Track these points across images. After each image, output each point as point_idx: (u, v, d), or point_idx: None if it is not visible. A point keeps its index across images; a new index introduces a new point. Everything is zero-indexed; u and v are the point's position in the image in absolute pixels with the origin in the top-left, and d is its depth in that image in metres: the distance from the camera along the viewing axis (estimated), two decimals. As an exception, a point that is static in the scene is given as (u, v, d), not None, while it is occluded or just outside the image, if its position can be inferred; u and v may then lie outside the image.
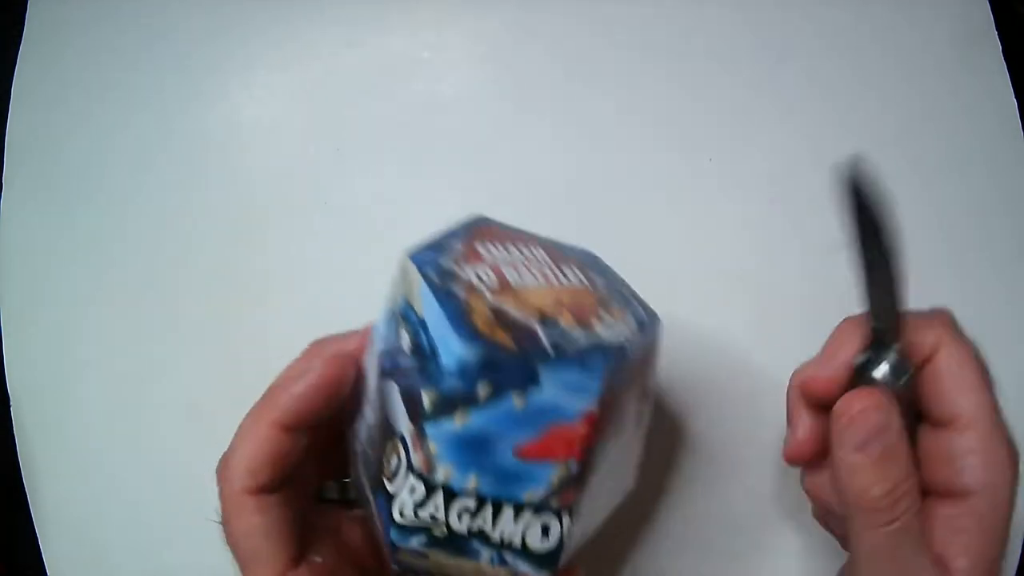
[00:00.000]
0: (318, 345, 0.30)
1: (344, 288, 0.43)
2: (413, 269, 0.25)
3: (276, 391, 0.28)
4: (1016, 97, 0.43)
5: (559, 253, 0.29)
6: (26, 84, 0.46)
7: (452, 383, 0.22)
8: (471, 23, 0.46)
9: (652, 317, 0.28)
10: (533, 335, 0.23)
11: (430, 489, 0.23)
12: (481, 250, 0.26)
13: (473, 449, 0.23)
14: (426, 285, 0.23)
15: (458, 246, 0.26)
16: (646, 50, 0.45)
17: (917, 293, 0.42)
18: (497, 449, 0.23)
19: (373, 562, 0.29)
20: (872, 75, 0.44)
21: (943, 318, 0.29)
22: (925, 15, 0.45)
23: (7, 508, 0.42)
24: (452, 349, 0.22)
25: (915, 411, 0.28)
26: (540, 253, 0.28)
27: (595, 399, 0.23)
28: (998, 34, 0.44)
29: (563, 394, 0.23)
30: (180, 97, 0.46)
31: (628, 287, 0.30)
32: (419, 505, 0.23)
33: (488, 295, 0.23)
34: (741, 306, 0.42)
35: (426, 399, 0.22)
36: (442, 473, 0.23)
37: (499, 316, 0.23)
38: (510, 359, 0.22)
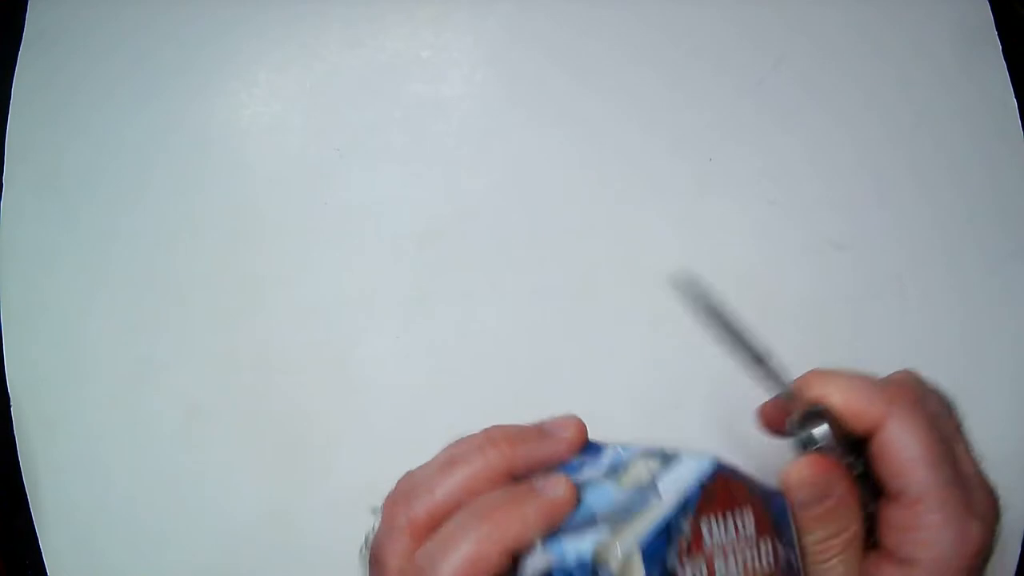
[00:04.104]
0: (514, 445, 0.29)
1: (344, 288, 0.44)
2: (640, 570, 0.24)
3: (506, 515, 0.26)
4: (1016, 97, 0.43)
5: (764, 512, 0.30)
6: (26, 85, 0.46)
7: None
8: (471, 23, 0.46)
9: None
10: None
11: None
12: (704, 533, 0.26)
13: None
14: None
15: (687, 528, 0.26)
16: (646, 52, 0.45)
17: (918, 293, 0.42)
18: None
19: None
20: (872, 76, 0.44)
21: (897, 387, 0.29)
22: (925, 16, 0.45)
23: (7, 508, 0.42)
24: None
25: (871, 480, 0.29)
26: (749, 520, 0.29)
27: None
28: (998, 34, 0.44)
29: None
30: (180, 97, 0.46)
31: (795, 539, 0.31)
32: None
33: None
34: (741, 306, 0.42)
35: None
36: None
37: None
38: None
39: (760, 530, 0.29)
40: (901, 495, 0.27)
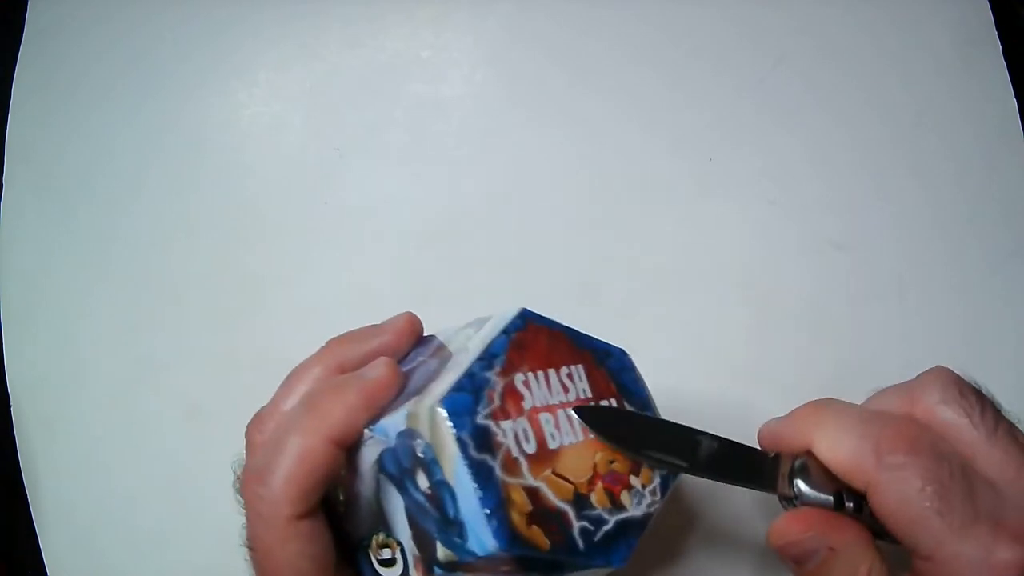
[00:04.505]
0: (346, 343, 0.29)
1: (343, 288, 0.44)
2: (446, 427, 0.22)
3: (326, 402, 0.25)
4: (1016, 97, 0.43)
5: (599, 372, 0.27)
6: (26, 84, 0.46)
7: (474, 561, 0.22)
8: (471, 23, 0.46)
9: (676, 469, 0.27)
10: (566, 529, 0.23)
11: None
12: (520, 388, 0.24)
13: None
14: (462, 461, 0.22)
15: (495, 379, 0.24)
16: (646, 51, 0.45)
17: (918, 293, 0.42)
18: None
19: None
20: (872, 75, 0.44)
21: (895, 430, 0.26)
22: (925, 15, 0.45)
23: (7, 508, 0.42)
24: (484, 542, 0.21)
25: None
26: (580, 377, 0.26)
27: (612, 570, 0.24)
28: (998, 34, 0.44)
29: (584, 573, 0.24)
30: (180, 97, 0.46)
31: (653, 400, 0.29)
32: None
33: (526, 470, 0.23)
34: (741, 306, 0.42)
35: (441, 553, 0.23)
36: None
37: (536, 505, 0.23)
38: (540, 557, 0.22)
39: (598, 389, 0.26)
40: (914, 549, 0.25)
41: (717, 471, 0.27)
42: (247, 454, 0.28)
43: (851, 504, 0.26)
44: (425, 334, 0.30)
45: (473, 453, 0.22)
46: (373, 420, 0.25)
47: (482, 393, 0.23)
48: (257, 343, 0.43)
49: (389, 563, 0.24)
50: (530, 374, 0.24)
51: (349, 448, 0.25)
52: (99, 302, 0.44)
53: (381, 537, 0.24)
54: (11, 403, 0.43)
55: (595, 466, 0.24)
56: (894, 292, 0.42)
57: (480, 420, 0.23)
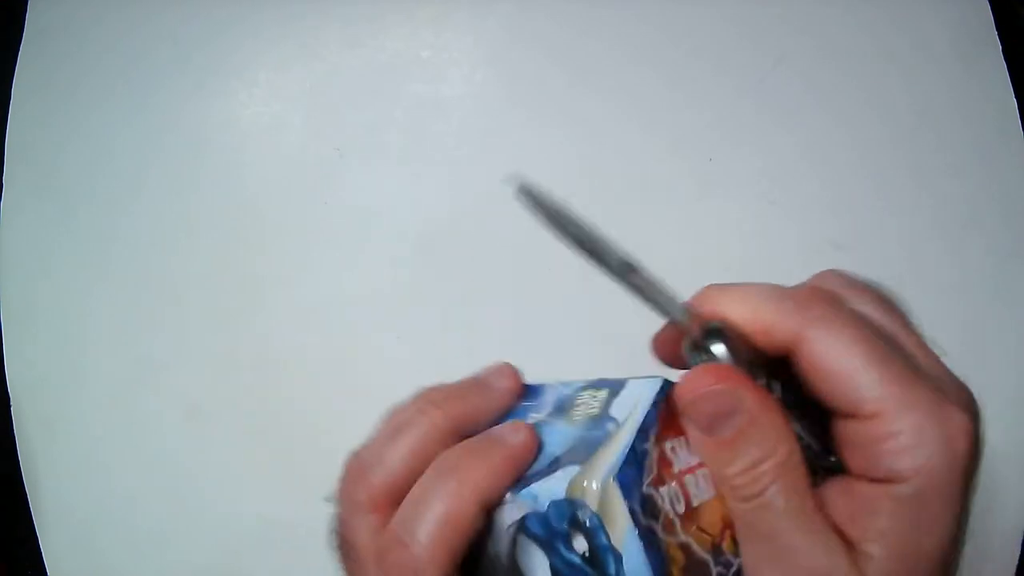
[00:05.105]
0: (452, 400, 0.28)
1: (343, 288, 0.44)
2: (620, 502, 0.24)
3: (470, 466, 0.25)
4: (1016, 97, 0.43)
5: None
6: (26, 84, 0.46)
7: None
8: (471, 23, 0.46)
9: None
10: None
11: None
12: (669, 455, 0.26)
13: None
14: (634, 531, 0.23)
15: (651, 451, 0.25)
16: (647, 52, 0.45)
17: (918, 293, 0.42)
18: None
19: None
20: (872, 75, 0.44)
21: (810, 291, 0.25)
22: (925, 15, 0.45)
23: (7, 508, 0.42)
24: None
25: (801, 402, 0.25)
26: None
27: None
28: (998, 34, 0.44)
29: None
30: (180, 97, 0.46)
31: None
32: None
33: (679, 528, 0.25)
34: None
35: None
36: None
37: (687, 559, 0.24)
38: None
39: None
40: (856, 409, 0.23)
41: (641, 292, 0.25)
42: (343, 509, 0.28)
43: (762, 378, 0.24)
44: (527, 382, 0.31)
45: (642, 520, 0.24)
46: (516, 486, 0.26)
47: (644, 464, 0.25)
48: (257, 343, 0.43)
49: None
50: (675, 440, 0.26)
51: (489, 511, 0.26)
52: (99, 302, 0.44)
53: None
54: (11, 403, 0.43)
55: (723, 517, 0.26)
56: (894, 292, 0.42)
57: (644, 490, 0.24)
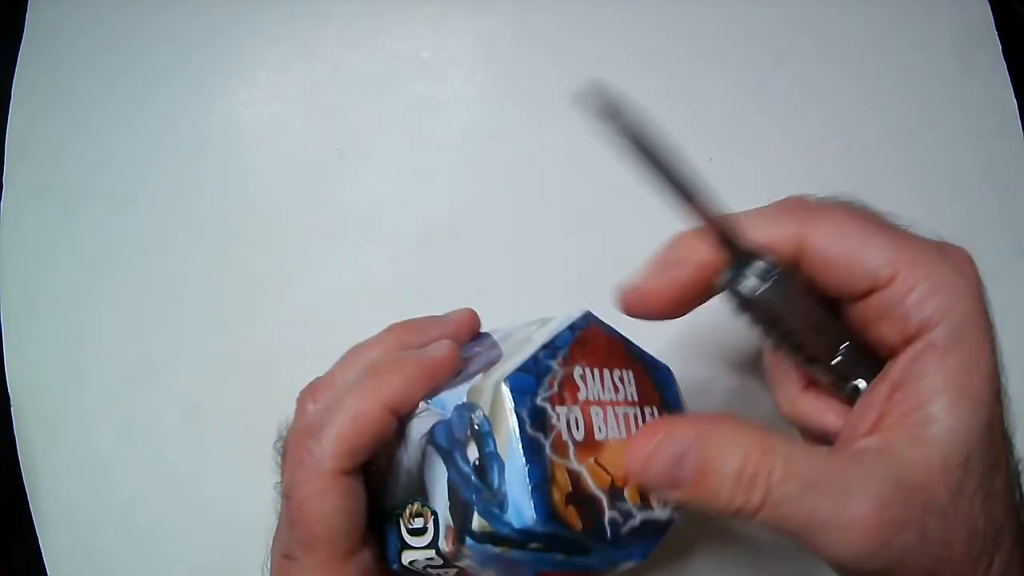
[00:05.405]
0: (408, 329, 0.30)
1: (343, 288, 0.44)
2: (508, 402, 0.24)
3: (387, 372, 0.26)
4: (1016, 97, 0.43)
5: (646, 381, 0.29)
6: (26, 84, 0.46)
7: (509, 533, 0.23)
8: (471, 23, 0.46)
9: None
10: (599, 515, 0.24)
11: (447, 565, 0.25)
12: (577, 380, 0.26)
13: (503, 565, 0.25)
14: (517, 436, 0.23)
15: (557, 368, 0.25)
16: (646, 51, 0.45)
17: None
18: (523, 570, 0.25)
19: None
20: (872, 76, 0.44)
21: (796, 200, 0.26)
22: (925, 15, 0.45)
23: (7, 508, 0.42)
24: (523, 515, 0.23)
25: (824, 298, 0.25)
26: (630, 382, 0.28)
27: (630, 567, 0.26)
28: (998, 34, 0.44)
29: (603, 562, 0.25)
30: (180, 97, 0.46)
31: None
32: (432, 567, 0.26)
33: (572, 454, 0.24)
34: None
35: (476, 523, 0.24)
36: (464, 563, 0.25)
37: (575, 487, 0.24)
38: (571, 537, 0.23)
39: (643, 396, 0.28)
40: (873, 280, 0.23)
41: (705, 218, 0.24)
42: (296, 416, 0.29)
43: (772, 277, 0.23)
44: (481, 331, 0.32)
45: (528, 430, 0.23)
46: (430, 394, 0.26)
47: (544, 378, 0.25)
48: (257, 343, 0.43)
49: (419, 532, 0.25)
50: (587, 369, 0.26)
51: (402, 419, 0.26)
52: (99, 302, 0.44)
53: (416, 506, 0.26)
54: (11, 403, 0.43)
55: None
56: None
57: (539, 402, 0.24)
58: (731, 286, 0.24)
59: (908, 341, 0.23)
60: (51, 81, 0.46)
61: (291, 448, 0.27)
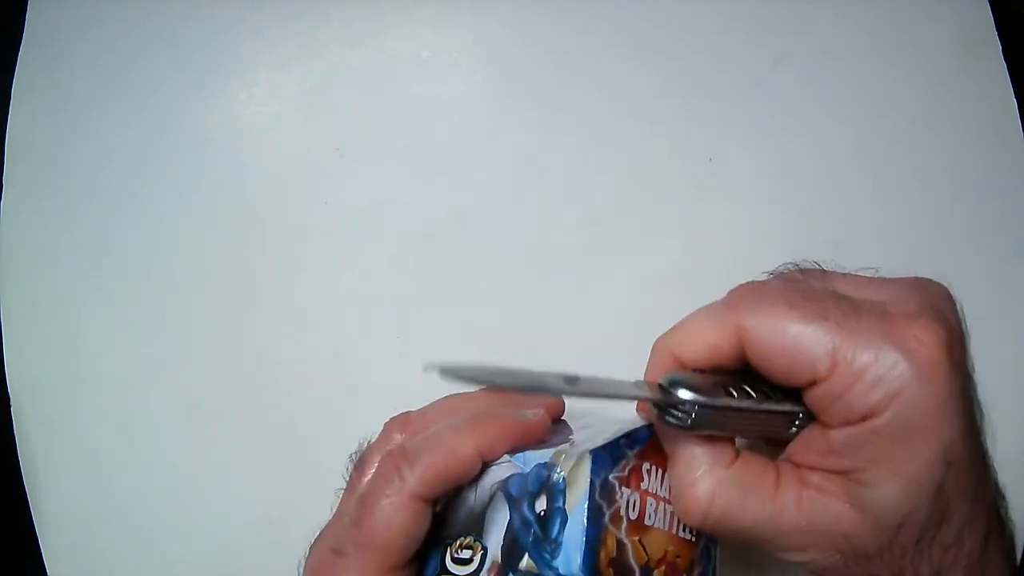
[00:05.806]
0: (506, 399, 0.31)
1: (343, 288, 0.44)
2: (587, 472, 0.27)
3: (489, 422, 0.28)
4: (1016, 97, 0.43)
5: None
6: (26, 84, 0.46)
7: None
8: (471, 23, 0.46)
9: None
10: None
11: None
12: (644, 472, 0.29)
13: None
14: (587, 497, 0.26)
15: (631, 457, 0.28)
16: (646, 51, 0.45)
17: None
18: None
19: None
20: (872, 75, 0.44)
21: (734, 291, 0.26)
22: (925, 15, 0.45)
23: (7, 508, 0.42)
24: (571, 564, 0.26)
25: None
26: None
27: None
28: (998, 34, 0.44)
29: None
30: (180, 97, 0.46)
31: None
32: None
33: (624, 528, 0.27)
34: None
35: (525, 562, 0.26)
36: None
37: (618, 555, 0.27)
38: None
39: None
40: (814, 372, 0.23)
41: (593, 395, 0.25)
42: (380, 439, 0.31)
43: (733, 392, 0.25)
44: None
45: (596, 496, 0.26)
46: (514, 451, 0.29)
47: (619, 461, 0.28)
48: (257, 343, 0.43)
49: (465, 562, 0.28)
50: (653, 466, 0.29)
51: (485, 464, 0.28)
52: (99, 302, 0.44)
53: (468, 540, 0.28)
54: (11, 403, 0.43)
55: (666, 553, 0.29)
56: (894, 292, 0.42)
57: (611, 478, 0.27)
58: (664, 421, 0.26)
59: (853, 425, 0.23)
60: (51, 81, 0.46)
61: (379, 464, 0.29)
